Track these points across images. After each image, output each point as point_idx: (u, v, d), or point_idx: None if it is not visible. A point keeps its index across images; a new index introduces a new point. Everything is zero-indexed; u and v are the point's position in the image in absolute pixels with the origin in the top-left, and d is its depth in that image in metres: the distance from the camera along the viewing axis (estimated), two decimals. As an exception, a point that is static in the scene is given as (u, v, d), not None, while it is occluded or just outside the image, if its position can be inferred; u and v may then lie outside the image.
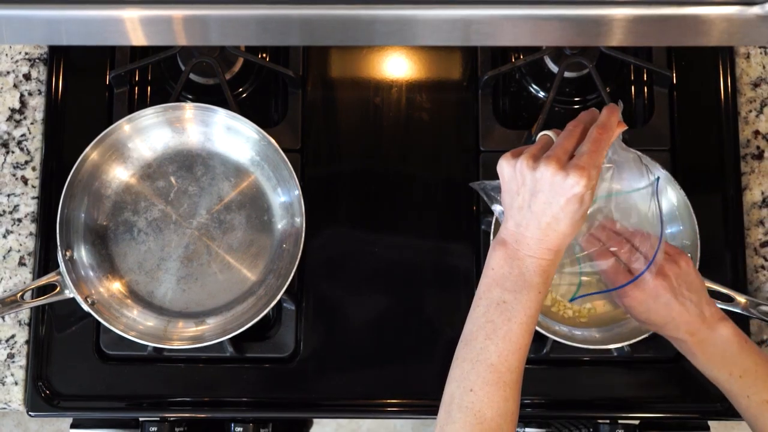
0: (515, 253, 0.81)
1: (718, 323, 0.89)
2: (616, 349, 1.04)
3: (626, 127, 0.86)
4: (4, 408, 1.09)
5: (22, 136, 1.13)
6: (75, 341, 1.08)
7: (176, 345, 1.03)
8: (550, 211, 0.79)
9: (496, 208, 0.94)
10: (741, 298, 1.02)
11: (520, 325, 0.80)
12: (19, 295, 1.01)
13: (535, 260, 0.80)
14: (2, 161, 1.12)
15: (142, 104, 1.15)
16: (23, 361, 1.08)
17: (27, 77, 1.14)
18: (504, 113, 1.15)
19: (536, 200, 0.80)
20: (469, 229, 1.11)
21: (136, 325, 1.04)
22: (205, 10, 0.60)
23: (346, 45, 1.14)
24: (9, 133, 1.13)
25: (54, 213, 1.03)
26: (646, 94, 1.15)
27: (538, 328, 0.95)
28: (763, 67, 1.15)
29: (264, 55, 1.16)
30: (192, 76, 1.12)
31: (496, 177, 1.10)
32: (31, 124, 1.13)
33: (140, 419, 1.07)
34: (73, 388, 1.07)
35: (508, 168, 0.83)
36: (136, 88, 1.15)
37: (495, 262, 0.82)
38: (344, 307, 1.09)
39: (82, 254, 1.06)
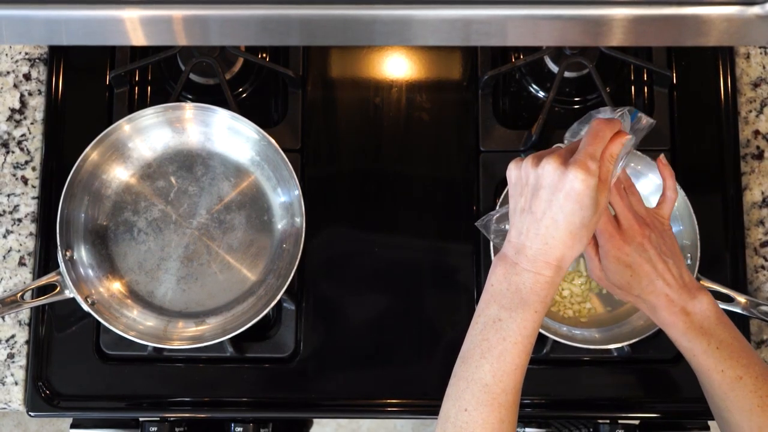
0: (514, 267, 0.79)
1: (698, 291, 0.86)
2: (616, 349, 1.04)
3: (629, 136, 0.84)
4: (4, 408, 1.09)
5: (22, 136, 1.13)
6: (75, 341, 1.08)
7: (176, 345, 1.03)
8: (549, 212, 0.77)
9: (496, 242, 0.93)
10: (741, 298, 1.01)
11: (515, 345, 0.77)
12: (19, 295, 1.01)
13: (532, 275, 0.78)
14: (2, 161, 1.12)
15: (142, 104, 1.15)
16: (23, 361, 1.08)
17: (27, 77, 1.14)
18: (504, 113, 1.15)
19: (537, 198, 0.78)
20: (469, 229, 1.10)
21: (136, 325, 1.04)
22: (205, 10, 0.60)
23: (346, 45, 1.14)
24: (9, 133, 1.13)
25: (54, 213, 1.03)
26: (646, 94, 1.15)
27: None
28: (763, 67, 1.15)
29: (264, 55, 1.16)
30: (192, 76, 1.12)
31: (495, 176, 1.11)
32: (31, 124, 1.13)
33: (140, 419, 1.07)
34: (73, 388, 1.07)
35: (515, 170, 0.82)
36: (136, 88, 1.15)
37: (494, 278, 0.80)
38: (344, 307, 1.09)
39: (82, 254, 1.06)
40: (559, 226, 0.77)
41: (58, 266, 1.02)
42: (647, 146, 1.07)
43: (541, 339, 1.04)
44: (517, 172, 0.81)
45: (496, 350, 0.77)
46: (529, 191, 0.79)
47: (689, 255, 1.03)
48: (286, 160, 1.03)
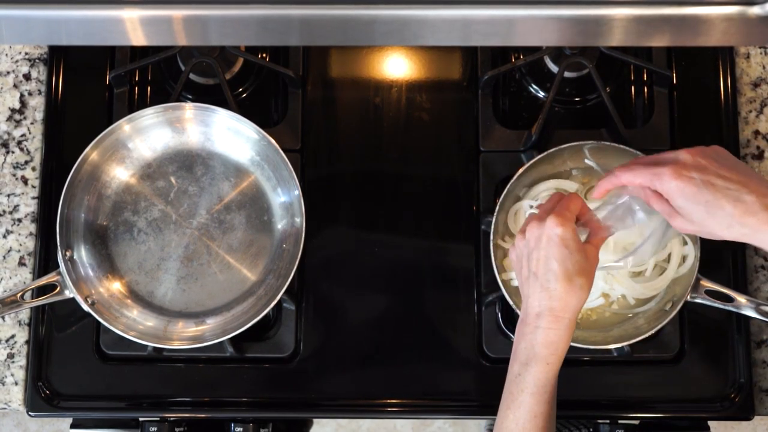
0: (526, 326, 0.87)
1: None
2: (616, 349, 1.04)
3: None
4: (4, 408, 1.09)
5: (22, 136, 1.13)
6: (75, 341, 1.08)
7: (176, 345, 1.03)
8: (544, 265, 0.85)
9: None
10: (741, 298, 1.01)
11: (532, 395, 0.86)
12: (19, 295, 1.01)
13: (542, 331, 0.86)
14: (2, 161, 1.12)
15: (142, 104, 1.15)
16: (23, 361, 1.08)
17: (27, 77, 1.14)
18: (504, 113, 1.15)
19: (531, 260, 0.87)
20: (469, 229, 1.10)
21: (136, 325, 1.04)
22: (205, 10, 0.60)
23: (346, 45, 1.14)
24: (9, 133, 1.13)
25: (54, 213, 1.03)
26: (646, 94, 1.15)
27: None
28: (763, 67, 1.15)
29: (264, 55, 1.16)
30: (192, 76, 1.12)
31: (495, 176, 1.11)
32: (31, 124, 1.13)
33: (140, 419, 1.07)
34: (73, 388, 1.07)
35: (513, 251, 0.92)
36: (136, 88, 1.15)
37: (516, 339, 0.89)
38: (344, 307, 1.09)
39: (82, 254, 1.06)
40: (555, 273, 0.85)
41: (58, 266, 1.02)
42: (647, 146, 1.07)
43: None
44: (515, 251, 0.91)
45: (516, 401, 0.87)
46: (525, 258, 0.88)
47: (689, 254, 1.03)
48: (286, 160, 1.03)
